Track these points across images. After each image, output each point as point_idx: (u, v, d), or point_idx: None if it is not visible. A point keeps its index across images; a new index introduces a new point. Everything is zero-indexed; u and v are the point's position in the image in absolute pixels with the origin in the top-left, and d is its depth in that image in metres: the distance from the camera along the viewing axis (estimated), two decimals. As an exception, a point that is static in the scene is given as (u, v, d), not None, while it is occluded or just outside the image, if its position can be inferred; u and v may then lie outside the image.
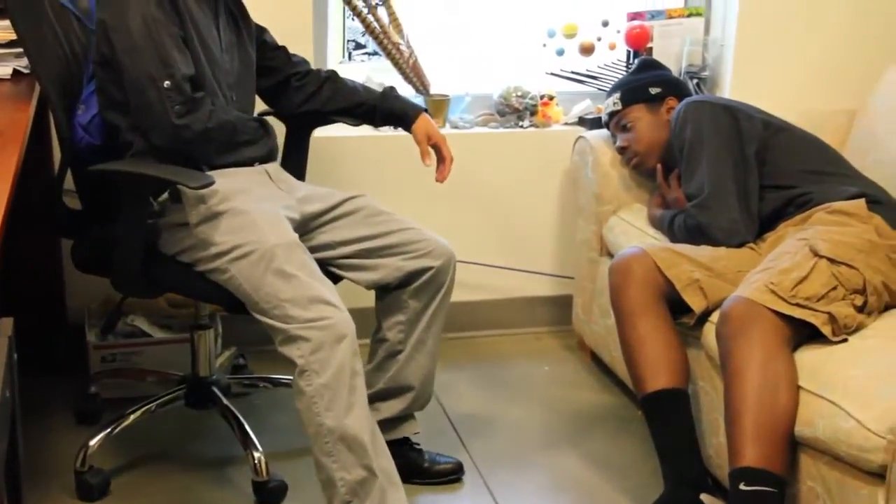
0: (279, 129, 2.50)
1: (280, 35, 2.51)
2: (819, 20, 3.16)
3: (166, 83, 2.05)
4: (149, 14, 2.06)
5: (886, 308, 2.17)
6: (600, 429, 2.67)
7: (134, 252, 2.11)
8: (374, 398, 2.31)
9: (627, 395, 2.78)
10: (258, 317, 2.03)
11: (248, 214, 2.07)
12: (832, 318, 2.03)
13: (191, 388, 2.47)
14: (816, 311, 2.03)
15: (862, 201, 2.32)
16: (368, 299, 2.36)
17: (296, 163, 2.54)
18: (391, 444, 2.23)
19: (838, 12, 3.16)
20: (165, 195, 2.13)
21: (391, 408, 2.33)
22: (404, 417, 2.36)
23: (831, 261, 2.11)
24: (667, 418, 2.21)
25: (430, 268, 2.27)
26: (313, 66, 2.55)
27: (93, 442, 2.29)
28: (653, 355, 2.23)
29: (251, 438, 2.28)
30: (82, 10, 2.26)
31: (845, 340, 2.02)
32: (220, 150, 2.18)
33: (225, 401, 2.41)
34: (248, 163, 2.25)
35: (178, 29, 2.11)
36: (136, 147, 2.14)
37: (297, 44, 2.61)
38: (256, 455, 2.25)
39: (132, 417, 2.38)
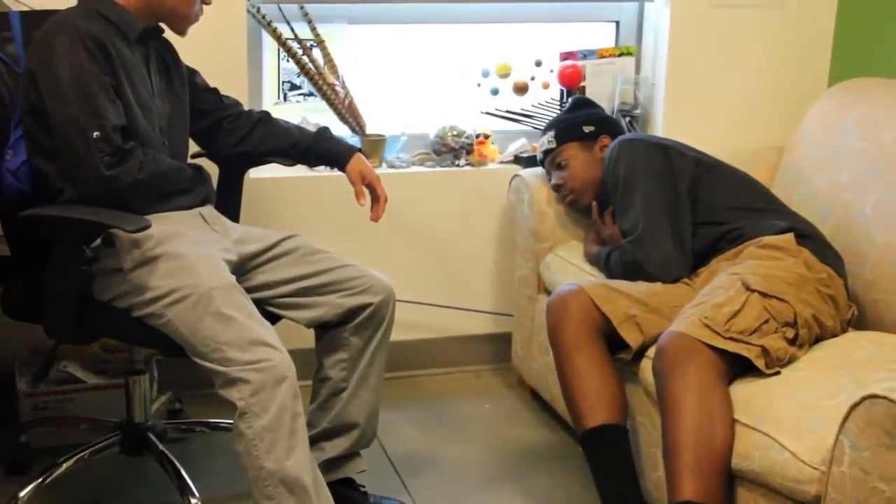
0: (212, 170, 2.48)
1: (214, 76, 2.51)
2: (746, 60, 3.24)
3: (95, 133, 2.03)
4: (78, 64, 2.04)
5: (817, 340, 2.21)
6: (541, 466, 2.67)
7: (67, 299, 2.07)
8: (320, 437, 2.29)
9: (568, 431, 2.79)
10: (197, 360, 2.00)
11: (184, 258, 2.05)
12: (765, 352, 2.07)
13: (125, 435, 2.42)
14: (750, 344, 2.06)
15: (791, 235, 2.37)
16: (308, 340, 2.35)
17: (229, 204, 2.53)
18: (335, 486, 2.22)
19: (764, 52, 3.25)
20: (98, 240, 2.10)
21: (337, 446, 2.31)
22: (350, 456, 2.35)
23: (763, 294, 2.16)
24: (606, 454, 2.22)
25: (370, 304, 2.27)
26: (249, 108, 2.54)
27: (23, 493, 2.23)
28: (591, 391, 2.24)
29: (188, 484, 2.24)
30: (9, 55, 2.23)
31: (778, 373, 2.06)
32: (151, 200, 2.16)
33: (160, 446, 2.37)
34: (182, 210, 2.23)
35: (110, 78, 2.09)
36: (66, 195, 2.11)
37: (232, 85, 2.60)
38: (193, 501, 2.21)
39: (65, 466, 2.33)
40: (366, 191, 2.43)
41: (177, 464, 2.30)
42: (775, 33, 3.24)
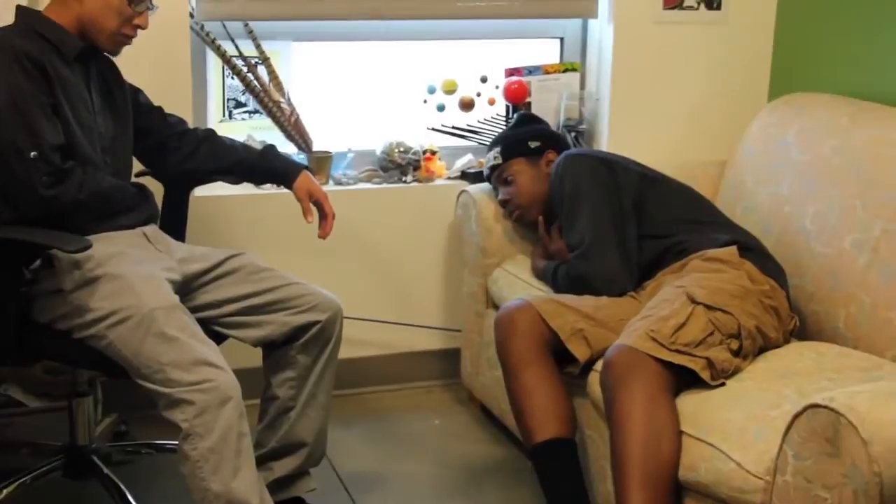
0: (157, 189, 2.46)
1: (158, 94, 2.48)
2: (688, 75, 3.28)
3: (33, 153, 2.01)
4: (14, 83, 2.02)
5: (760, 351, 2.24)
6: (492, 481, 2.67)
7: (6, 321, 2.04)
8: (268, 457, 2.28)
9: (517, 446, 2.79)
10: (140, 382, 1.98)
11: (125, 278, 2.03)
12: (710, 363, 2.08)
13: (69, 459, 2.38)
14: (695, 356, 2.08)
15: (734, 248, 2.40)
16: (255, 359, 2.33)
17: (175, 223, 2.50)
18: (284, 506, 2.20)
19: (706, 68, 3.29)
20: (38, 262, 2.07)
21: (285, 466, 2.30)
22: (299, 475, 2.33)
23: (707, 307, 2.18)
24: (556, 468, 2.23)
25: (317, 321, 2.26)
26: (193, 126, 2.52)
27: (-37, 520, 2.19)
28: (540, 406, 2.25)
29: (134, 508, 2.22)
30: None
31: (723, 384, 2.08)
32: (93, 219, 2.14)
33: (105, 470, 2.34)
34: (125, 229, 2.21)
35: (48, 97, 2.06)
36: (5, 216, 2.08)
37: (176, 103, 2.59)
38: (139, 525, 2.18)
39: (5, 492, 2.28)
40: (313, 208, 2.42)
41: (122, 487, 2.28)
42: (716, 50, 3.28)
